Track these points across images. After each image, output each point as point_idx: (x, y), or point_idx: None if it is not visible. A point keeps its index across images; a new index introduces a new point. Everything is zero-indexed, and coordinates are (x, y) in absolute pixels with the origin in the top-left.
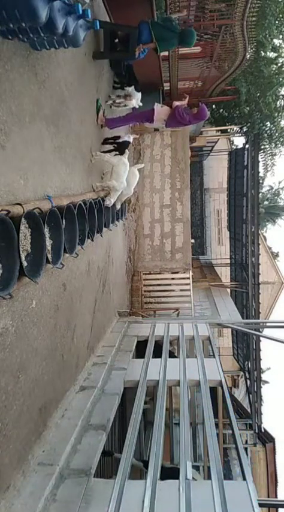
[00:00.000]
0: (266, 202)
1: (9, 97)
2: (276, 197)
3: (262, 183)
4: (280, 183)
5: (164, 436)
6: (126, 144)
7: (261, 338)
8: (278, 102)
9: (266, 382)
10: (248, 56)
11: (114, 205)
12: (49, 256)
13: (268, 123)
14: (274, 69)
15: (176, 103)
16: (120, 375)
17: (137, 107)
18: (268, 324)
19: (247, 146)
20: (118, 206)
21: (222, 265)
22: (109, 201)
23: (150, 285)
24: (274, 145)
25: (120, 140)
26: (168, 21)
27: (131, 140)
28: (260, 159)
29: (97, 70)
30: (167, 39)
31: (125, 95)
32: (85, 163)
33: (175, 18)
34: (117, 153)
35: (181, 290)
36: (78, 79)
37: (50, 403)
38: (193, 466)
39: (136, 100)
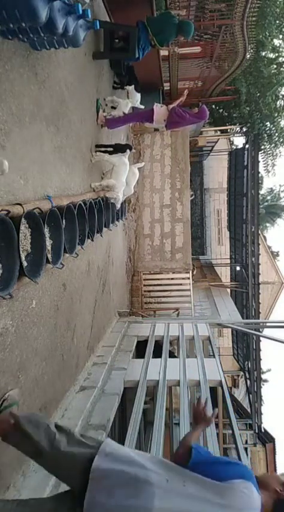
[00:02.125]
0: (266, 204)
1: (9, 97)
2: (276, 199)
3: (262, 184)
4: (281, 186)
5: (164, 436)
6: (127, 145)
7: (261, 338)
8: (278, 102)
9: (265, 381)
10: (248, 56)
11: (114, 205)
12: (49, 256)
13: (268, 123)
14: (273, 69)
15: (170, 106)
16: (120, 375)
17: (138, 106)
18: (268, 324)
19: (247, 146)
20: (118, 206)
21: (222, 265)
22: (117, 198)
23: (150, 285)
24: (273, 145)
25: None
26: (166, 14)
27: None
28: (260, 159)
29: (97, 70)
30: (164, 31)
31: (113, 107)
32: (85, 163)
33: (175, 14)
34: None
35: (181, 290)
36: (78, 79)
37: (50, 403)
38: None
39: (136, 100)
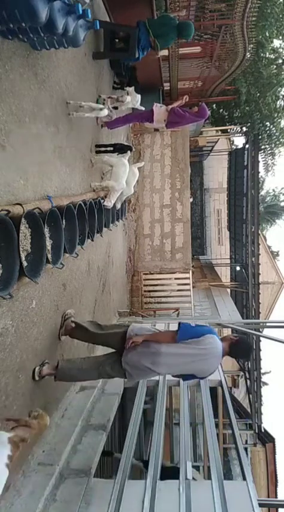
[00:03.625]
0: (265, 204)
1: (9, 97)
2: (276, 200)
3: (262, 185)
4: (282, 189)
5: (164, 436)
6: (128, 146)
7: (261, 338)
8: (278, 103)
9: (265, 383)
10: (248, 56)
11: (114, 205)
12: (49, 256)
13: (268, 123)
14: (273, 69)
15: (170, 106)
16: None
17: (138, 107)
18: (268, 324)
19: (247, 146)
20: (118, 206)
21: (222, 265)
22: (109, 203)
23: (150, 285)
24: (273, 145)
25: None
26: (165, 17)
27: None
28: (260, 159)
29: (97, 70)
30: (165, 34)
31: (118, 99)
32: (85, 163)
33: (175, 16)
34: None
35: (181, 290)
36: (78, 79)
37: (50, 403)
38: (193, 466)
39: (136, 101)
